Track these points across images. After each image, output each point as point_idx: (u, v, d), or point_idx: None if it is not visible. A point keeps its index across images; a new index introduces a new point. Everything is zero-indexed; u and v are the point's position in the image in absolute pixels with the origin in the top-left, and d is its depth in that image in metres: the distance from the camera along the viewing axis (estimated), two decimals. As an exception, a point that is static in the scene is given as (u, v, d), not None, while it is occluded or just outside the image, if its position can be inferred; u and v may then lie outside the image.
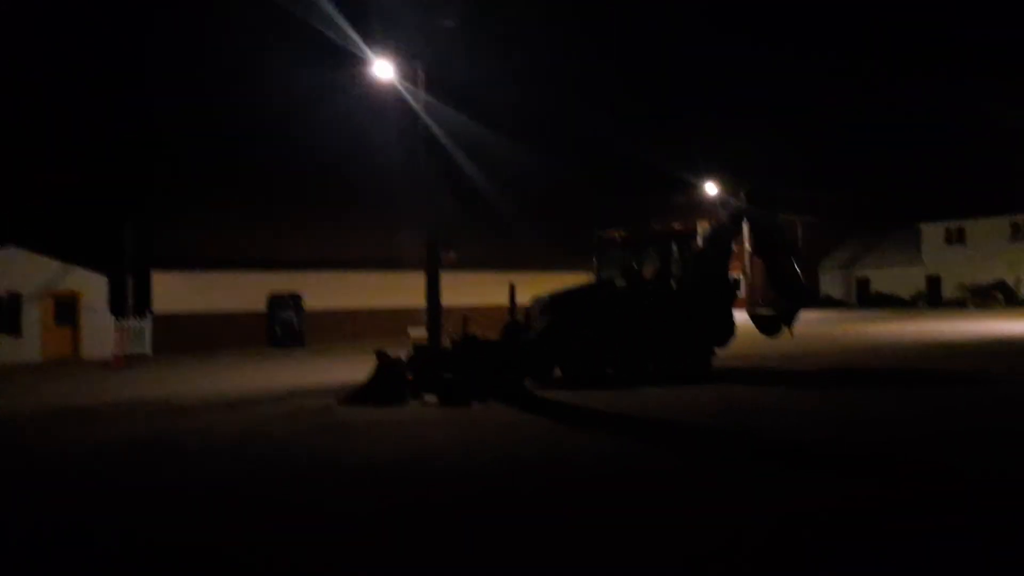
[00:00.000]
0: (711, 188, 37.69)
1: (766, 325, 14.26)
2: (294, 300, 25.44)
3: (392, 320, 26.13)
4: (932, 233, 47.64)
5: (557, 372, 12.71)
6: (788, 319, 14.06)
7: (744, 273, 24.55)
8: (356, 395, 11.27)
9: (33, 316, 21.85)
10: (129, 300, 23.64)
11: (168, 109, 23.91)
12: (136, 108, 24.34)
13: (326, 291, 26.25)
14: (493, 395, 10.92)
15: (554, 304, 12.88)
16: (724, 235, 14.04)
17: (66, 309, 22.36)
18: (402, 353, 12.10)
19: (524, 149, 27.85)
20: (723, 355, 13.65)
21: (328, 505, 5.67)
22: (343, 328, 26.41)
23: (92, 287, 22.66)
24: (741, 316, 13.87)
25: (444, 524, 5.09)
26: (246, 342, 24.55)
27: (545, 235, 29.07)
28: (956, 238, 46.42)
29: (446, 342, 12.98)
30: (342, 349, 21.61)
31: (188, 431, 9.21)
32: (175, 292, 23.85)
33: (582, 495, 5.74)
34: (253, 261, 25.06)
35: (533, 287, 13.98)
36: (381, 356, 11.56)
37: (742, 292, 15.67)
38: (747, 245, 21.84)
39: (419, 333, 13.24)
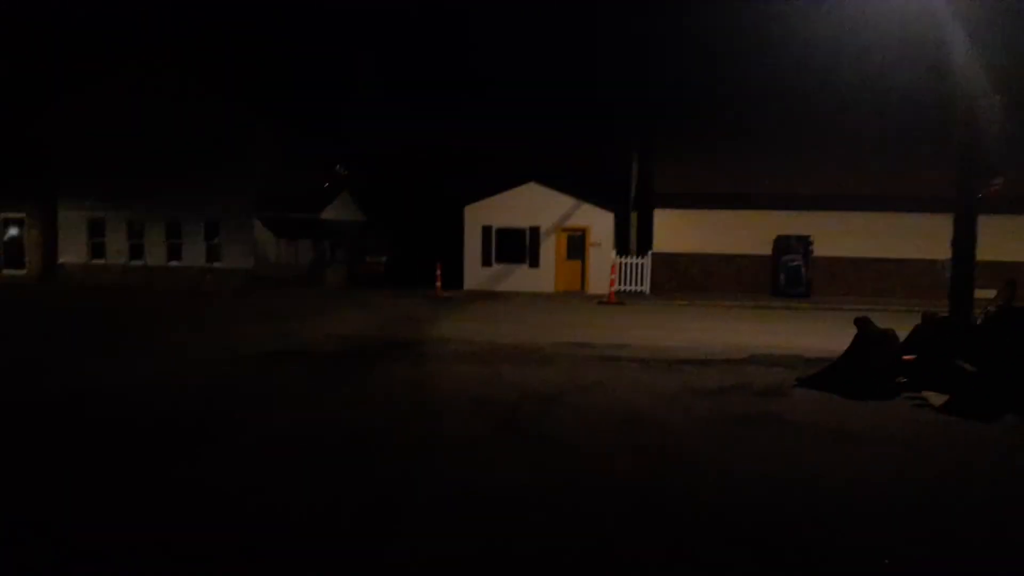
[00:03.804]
0: None
1: None
2: (802, 244, 22.15)
3: (927, 274, 20.90)
4: None
5: None
6: None
7: None
8: (821, 375, 8.24)
9: (549, 249, 23.34)
10: (631, 238, 23.65)
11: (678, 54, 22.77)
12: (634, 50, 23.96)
13: (841, 234, 22.22)
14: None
15: None
16: None
17: (576, 244, 23.34)
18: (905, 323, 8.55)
19: None
20: None
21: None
22: (861, 280, 22.15)
23: (599, 223, 23.15)
24: None
25: None
26: (746, 287, 22.44)
27: None
28: None
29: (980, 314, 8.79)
30: (855, 306, 17.83)
31: (546, 395, 7.59)
32: (675, 231, 22.95)
33: None
34: (758, 200, 22.56)
35: None
36: (862, 325, 8.22)
37: None
38: None
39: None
